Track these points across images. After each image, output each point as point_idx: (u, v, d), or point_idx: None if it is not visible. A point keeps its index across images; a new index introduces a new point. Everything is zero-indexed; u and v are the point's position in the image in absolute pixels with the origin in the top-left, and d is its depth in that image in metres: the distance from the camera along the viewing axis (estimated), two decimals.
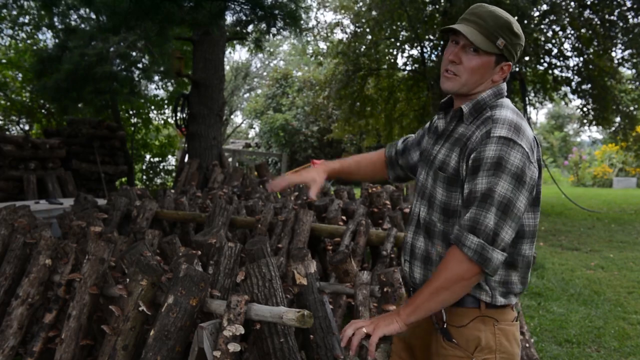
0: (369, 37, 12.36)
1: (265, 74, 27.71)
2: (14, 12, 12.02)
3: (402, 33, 12.47)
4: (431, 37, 12.02)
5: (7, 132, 12.40)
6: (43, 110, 13.48)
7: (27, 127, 14.15)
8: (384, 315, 1.60)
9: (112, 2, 6.01)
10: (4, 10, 11.36)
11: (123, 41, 8.24)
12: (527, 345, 3.44)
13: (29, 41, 13.51)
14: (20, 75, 13.41)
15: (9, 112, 13.67)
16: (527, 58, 10.85)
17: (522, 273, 1.63)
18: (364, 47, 12.43)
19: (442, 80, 1.62)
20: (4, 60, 13.33)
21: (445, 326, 1.59)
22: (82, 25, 9.70)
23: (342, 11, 13.26)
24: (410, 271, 1.72)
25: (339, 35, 14.10)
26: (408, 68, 13.19)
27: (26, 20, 12.77)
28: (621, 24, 10.65)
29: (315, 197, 1.81)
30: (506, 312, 1.62)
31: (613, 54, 11.49)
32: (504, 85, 1.65)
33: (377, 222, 5.06)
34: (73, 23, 9.94)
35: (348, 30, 12.99)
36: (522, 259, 1.61)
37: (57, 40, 10.51)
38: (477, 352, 1.56)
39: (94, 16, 8.98)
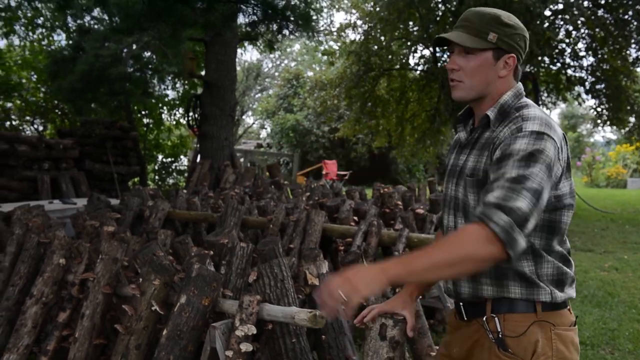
0: (382, 37, 12.33)
1: (276, 74, 27.78)
2: (29, 14, 12.15)
3: (413, 33, 12.42)
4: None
5: (22, 133, 12.52)
6: (57, 111, 13.60)
7: (41, 128, 14.29)
8: (362, 271, 1.37)
9: (126, 4, 6.07)
10: (19, 12, 11.49)
11: (137, 42, 8.31)
12: None
13: (43, 42, 13.65)
14: (34, 75, 13.55)
15: (23, 112, 13.82)
16: (539, 58, 10.76)
17: (565, 265, 1.57)
18: (376, 47, 12.41)
19: (452, 91, 1.61)
20: (19, 61, 13.47)
21: (500, 336, 1.50)
22: (96, 27, 9.79)
23: (354, 10, 13.25)
24: (455, 287, 1.61)
25: (351, 36, 14.08)
26: (420, 68, 13.14)
27: (40, 22, 12.91)
28: (635, 23, 10.52)
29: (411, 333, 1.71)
30: (563, 315, 1.55)
31: (627, 53, 11.36)
32: (520, 85, 1.61)
33: (389, 222, 5.04)
34: (87, 25, 10.04)
35: (360, 30, 12.98)
36: (557, 254, 1.55)
37: (71, 42, 10.62)
38: (533, 359, 1.48)
39: (107, 17, 9.05)
